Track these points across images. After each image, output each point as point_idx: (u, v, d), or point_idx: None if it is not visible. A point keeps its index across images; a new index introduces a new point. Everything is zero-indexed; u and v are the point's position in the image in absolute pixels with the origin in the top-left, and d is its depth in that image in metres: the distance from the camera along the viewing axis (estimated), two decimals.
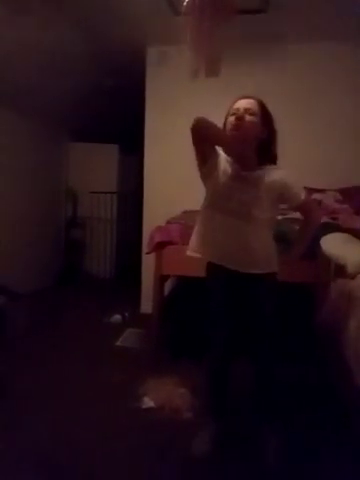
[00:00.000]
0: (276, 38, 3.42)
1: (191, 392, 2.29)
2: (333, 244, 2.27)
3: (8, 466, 1.71)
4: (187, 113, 3.72)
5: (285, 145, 3.59)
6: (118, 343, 3.12)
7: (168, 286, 3.24)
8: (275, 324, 1.81)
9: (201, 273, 2.58)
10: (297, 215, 2.73)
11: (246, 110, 1.73)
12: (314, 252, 2.34)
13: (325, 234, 2.40)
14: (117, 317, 3.63)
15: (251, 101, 1.76)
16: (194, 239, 1.88)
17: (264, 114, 1.75)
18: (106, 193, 5.21)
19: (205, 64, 2.42)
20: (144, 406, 2.19)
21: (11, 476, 1.65)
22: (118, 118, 5.24)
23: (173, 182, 3.73)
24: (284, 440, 1.83)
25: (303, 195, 1.80)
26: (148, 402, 2.22)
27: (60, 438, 1.90)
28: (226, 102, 3.64)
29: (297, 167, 3.40)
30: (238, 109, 1.75)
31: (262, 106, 1.77)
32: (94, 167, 5.16)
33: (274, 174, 1.75)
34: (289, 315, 2.53)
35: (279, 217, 2.67)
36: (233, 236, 1.74)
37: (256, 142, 1.74)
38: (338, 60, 3.51)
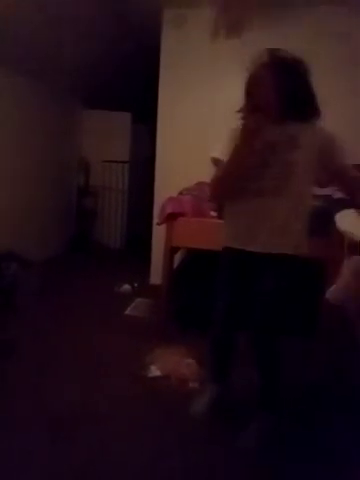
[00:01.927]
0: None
1: (197, 362, 2.31)
2: (348, 220, 2.22)
3: (19, 429, 1.76)
4: (203, 80, 3.66)
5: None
6: (127, 312, 3.16)
7: (178, 258, 3.24)
8: (280, 300, 1.75)
9: (211, 246, 2.58)
10: (318, 191, 2.68)
11: (251, 87, 1.63)
12: (328, 228, 2.29)
13: (340, 210, 2.34)
14: (126, 287, 3.66)
15: (256, 73, 1.62)
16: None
17: (276, 74, 1.56)
18: (118, 162, 5.15)
19: (227, 24, 2.31)
20: (150, 374, 2.23)
21: (22, 438, 1.70)
22: (131, 85, 5.11)
23: (186, 152, 3.66)
24: (272, 421, 1.80)
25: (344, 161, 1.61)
26: (155, 371, 2.25)
27: (68, 402, 1.95)
28: (244, 69, 3.49)
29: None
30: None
31: (271, 65, 1.58)
32: (107, 135, 5.08)
33: (308, 134, 1.59)
34: (298, 290, 2.51)
35: None
36: (254, 216, 1.66)
37: (277, 106, 1.59)
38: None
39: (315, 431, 1.84)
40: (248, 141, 1.56)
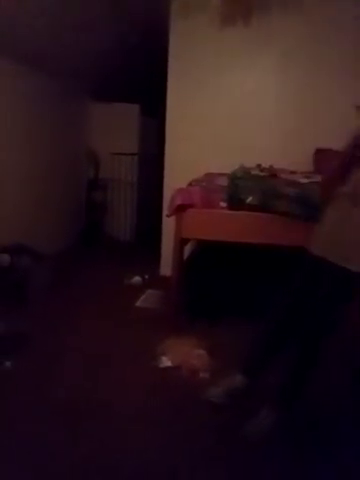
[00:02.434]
0: None
1: (208, 353, 2.32)
2: None
3: (29, 419, 1.80)
4: (212, 72, 3.63)
5: (311, 105, 3.44)
6: (138, 304, 3.18)
7: (188, 249, 3.24)
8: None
9: (221, 237, 2.57)
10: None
11: None
12: None
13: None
14: (137, 278, 3.68)
15: None
16: None
17: None
18: (127, 155, 5.14)
19: (236, 10, 2.28)
20: (162, 365, 2.25)
21: (33, 428, 1.74)
22: (139, 77, 5.09)
23: (195, 143, 3.64)
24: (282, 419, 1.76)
25: None
26: (166, 361, 2.27)
27: (79, 393, 1.97)
28: (254, 61, 3.51)
29: (325, 128, 3.30)
30: None
31: None
32: (115, 128, 5.07)
33: None
34: None
35: (305, 180, 2.59)
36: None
37: None
38: None
39: (325, 434, 1.81)
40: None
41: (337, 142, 3.09)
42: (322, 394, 2.01)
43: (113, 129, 5.06)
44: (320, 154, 3.26)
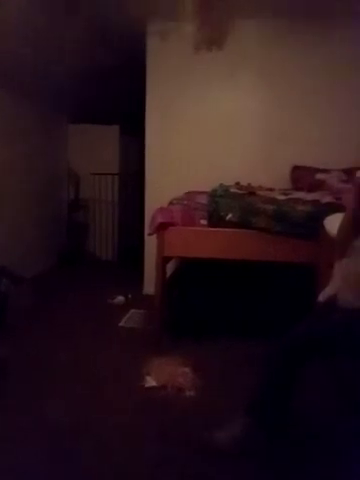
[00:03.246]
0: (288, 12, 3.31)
1: (193, 371, 2.32)
2: (337, 224, 2.26)
3: (17, 445, 1.75)
4: (190, 92, 3.72)
5: (287, 123, 3.58)
6: (121, 324, 3.15)
7: (171, 267, 3.25)
8: None
9: (202, 254, 2.60)
10: (300, 195, 2.73)
11: None
12: (316, 232, 2.32)
13: (328, 214, 2.38)
14: (120, 298, 3.66)
15: None
16: None
17: None
18: (108, 175, 5.17)
19: (207, 37, 2.36)
20: (147, 385, 2.23)
21: (20, 455, 1.69)
22: (118, 99, 5.16)
23: (176, 163, 3.70)
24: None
25: None
26: (151, 381, 2.25)
27: (65, 416, 1.93)
28: (232, 80, 3.61)
29: (301, 146, 3.41)
30: None
31: None
32: (95, 149, 5.11)
33: None
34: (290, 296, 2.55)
35: (282, 197, 2.66)
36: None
37: None
38: (341, 38, 3.42)
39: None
40: None
41: (313, 159, 3.25)
42: (310, 409, 2.00)
43: (93, 149, 5.10)
44: (297, 171, 3.35)
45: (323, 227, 2.30)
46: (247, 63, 3.50)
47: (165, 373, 2.31)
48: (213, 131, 3.63)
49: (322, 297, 1.77)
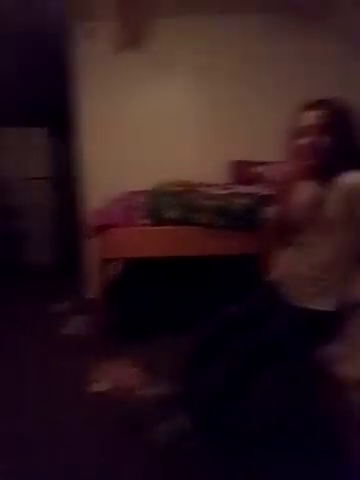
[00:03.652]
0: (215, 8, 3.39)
1: (143, 370, 2.30)
2: None
3: None
4: (121, 92, 3.68)
5: (223, 119, 3.66)
6: (65, 331, 3.04)
7: (114, 269, 3.20)
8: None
9: (144, 254, 2.59)
10: (240, 189, 2.80)
11: (311, 128, 1.49)
12: (255, 224, 2.40)
13: (266, 206, 2.48)
14: (62, 305, 3.53)
15: (318, 114, 1.49)
16: None
17: (339, 124, 1.48)
18: (39, 179, 4.98)
19: (129, 35, 2.34)
20: (96, 389, 2.17)
21: None
22: (45, 100, 4.98)
23: (112, 163, 3.63)
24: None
25: None
26: (100, 386, 2.20)
27: (14, 432, 1.83)
28: (167, 78, 3.59)
29: (239, 139, 3.51)
30: (302, 129, 1.52)
31: (337, 114, 1.50)
32: (23, 152, 4.90)
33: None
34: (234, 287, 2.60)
35: (223, 192, 2.72)
36: None
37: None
38: (276, 30, 3.56)
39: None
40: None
41: (252, 153, 3.35)
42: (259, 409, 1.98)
43: (21, 154, 4.89)
44: (236, 165, 3.44)
45: (262, 218, 2.39)
46: (178, 60, 3.55)
47: (114, 376, 2.27)
48: (148, 130, 3.63)
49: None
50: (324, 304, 1.49)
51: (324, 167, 1.49)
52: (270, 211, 2.05)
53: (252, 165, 3.21)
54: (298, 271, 1.58)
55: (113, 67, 3.58)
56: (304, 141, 1.51)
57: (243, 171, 3.22)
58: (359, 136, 1.50)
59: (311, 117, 1.50)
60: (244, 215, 2.36)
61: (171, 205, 2.46)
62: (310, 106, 1.53)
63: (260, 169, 3.17)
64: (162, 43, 3.39)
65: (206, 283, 2.84)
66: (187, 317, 2.74)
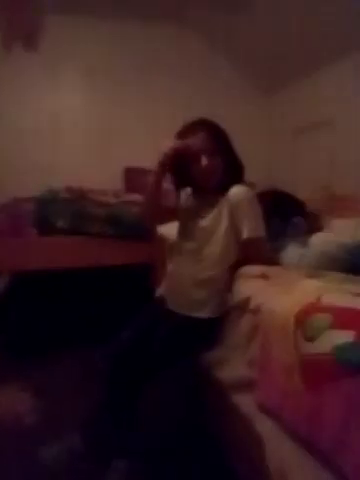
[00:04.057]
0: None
1: (34, 395, 2.12)
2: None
3: None
4: (6, 90, 3.39)
5: (116, 125, 3.57)
6: None
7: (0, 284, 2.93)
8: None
9: (34, 266, 2.41)
10: (132, 197, 2.76)
11: (202, 151, 1.51)
12: (148, 234, 2.38)
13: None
14: None
15: (200, 136, 1.52)
16: None
17: (218, 143, 1.53)
18: None
19: (21, 36, 2.18)
20: None
21: None
22: None
23: None
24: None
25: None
26: None
27: None
28: (53, 79, 3.37)
29: (133, 147, 3.44)
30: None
31: (213, 133, 1.54)
32: None
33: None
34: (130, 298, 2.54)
35: (114, 200, 2.65)
36: None
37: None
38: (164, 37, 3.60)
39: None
40: None
41: (147, 161, 3.30)
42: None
43: None
44: (129, 173, 3.40)
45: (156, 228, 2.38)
46: (69, 62, 3.39)
47: (2, 403, 2.07)
48: (37, 133, 3.40)
49: (158, 293, 1.81)
50: (206, 311, 1.52)
51: (218, 185, 1.55)
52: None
53: (146, 173, 3.20)
54: (183, 280, 1.60)
55: (2, 65, 3.29)
56: (199, 163, 1.52)
57: (137, 179, 3.19)
58: (233, 150, 1.59)
59: (198, 139, 1.52)
60: (138, 224, 2.32)
61: (61, 213, 2.32)
62: (193, 128, 1.57)
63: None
64: (56, 43, 3.22)
65: (102, 294, 2.73)
66: (83, 331, 2.62)
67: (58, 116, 3.43)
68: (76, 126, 3.48)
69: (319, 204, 2.35)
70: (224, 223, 1.51)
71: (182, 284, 1.60)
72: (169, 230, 2.24)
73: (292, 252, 1.65)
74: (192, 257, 1.58)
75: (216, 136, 1.54)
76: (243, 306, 1.39)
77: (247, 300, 1.37)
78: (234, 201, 1.49)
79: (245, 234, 1.47)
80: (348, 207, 2.27)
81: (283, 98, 3.73)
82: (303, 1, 2.70)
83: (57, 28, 3.19)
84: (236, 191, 1.50)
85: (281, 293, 1.24)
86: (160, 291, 1.75)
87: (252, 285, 1.41)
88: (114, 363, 1.57)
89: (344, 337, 0.87)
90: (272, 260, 1.57)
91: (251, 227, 1.47)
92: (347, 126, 2.96)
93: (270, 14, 2.98)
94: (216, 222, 1.53)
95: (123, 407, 1.56)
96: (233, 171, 1.56)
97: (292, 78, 3.48)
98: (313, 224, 1.96)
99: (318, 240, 1.69)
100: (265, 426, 1.11)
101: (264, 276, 1.43)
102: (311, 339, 0.96)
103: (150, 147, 3.40)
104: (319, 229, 1.87)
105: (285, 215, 1.91)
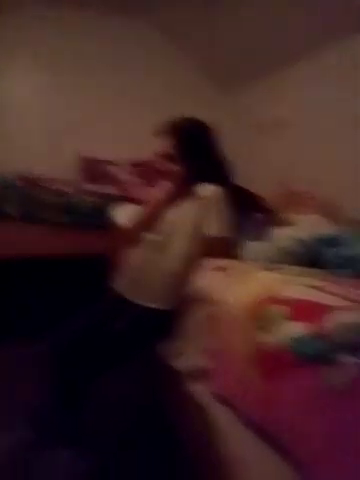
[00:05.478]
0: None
1: None
2: (125, 215, 2.32)
3: None
4: None
5: (73, 113, 3.46)
6: None
7: None
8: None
9: None
10: (88, 187, 2.68)
11: (162, 158, 1.57)
12: (103, 223, 2.33)
13: (115, 205, 2.43)
14: None
15: (165, 141, 1.56)
16: None
17: (185, 148, 1.56)
18: None
19: None
20: None
21: None
22: None
23: None
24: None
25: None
26: None
27: None
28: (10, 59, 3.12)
29: (90, 137, 3.34)
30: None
31: (181, 137, 1.56)
32: None
33: None
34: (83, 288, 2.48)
35: (69, 189, 2.57)
36: None
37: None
38: (129, 32, 3.54)
39: None
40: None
41: (102, 151, 3.22)
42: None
43: None
44: (85, 162, 3.29)
45: (110, 218, 2.33)
46: (22, 47, 3.22)
47: None
48: None
49: (114, 283, 1.77)
50: (164, 303, 1.53)
51: (181, 185, 1.59)
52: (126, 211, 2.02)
53: (103, 163, 3.13)
54: (144, 271, 1.60)
55: None
56: (161, 167, 1.59)
57: (93, 169, 3.10)
58: (211, 151, 1.61)
59: (161, 146, 1.57)
60: (93, 213, 2.27)
61: (11, 199, 2.21)
62: (161, 131, 1.59)
63: (111, 168, 3.10)
64: (9, 27, 3.04)
65: (55, 284, 2.65)
66: (37, 320, 2.52)
67: (9, 102, 3.23)
68: (29, 114, 3.30)
69: (277, 200, 2.41)
70: (190, 219, 1.53)
71: (142, 275, 1.59)
72: (125, 218, 2.22)
73: (251, 246, 1.69)
74: (155, 248, 1.58)
75: (180, 140, 1.56)
76: (200, 297, 1.40)
77: (204, 291, 1.39)
78: (202, 199, 1.51)
79: (210, 232, 1.49)
80: (304, 203, 2.35)
81: (245, 96, 3.77)
82: (265, 0, 2.73)
83: (20, 14, 3.05)
84: (205, 189, 1.52)
85: (237, 284, 1.26)
86: (117, 280, 1.72)
87: (210, 277, 1.42)
88: (65, 349, 1.53)
89: (300, 329, 0.90)
90: (232, 255, 1.60)
91: (217, 226, 1.50)
92: (306, 125, 3.04)
93: (235, 12, 2.99)
94: (183, 217, 1.55)
95: (72, 395, 1.53)
96: (204, 172, 1.57)
97: (254, 77, 3.52)
98: (271, 219, 2.01)
99: (276, 235, 1.74)
100: (220, 415, 1.13)
101: (222, 268, 1.45)
102: (267, 330, 0.99)
103: (108, 139, 3.37)
104: (277, 224, 1.93)
105: (244, 210, 1.96)
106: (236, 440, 1.04)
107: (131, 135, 3.43)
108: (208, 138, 1.62)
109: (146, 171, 3.18)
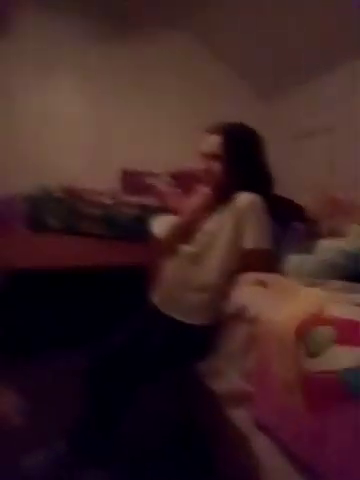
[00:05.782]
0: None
1: (22, 395, 2.03)
2: (163, 227, 2.29)
3: None
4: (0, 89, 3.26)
5: (114, 126, 3.51)
6: None
7: None
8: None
9: (23, 264, 2.31)
10: (128, 198, 2.69)
11: (206, 157, 1.52)
12: (144, 235, 2.32)
13: (155, 217, 2.41)
14: None
15: (212, 140, 1.52)
16: None
17: (231, 150, 1.51)
18: None
19: None
20: None
21: None
22: None
23: None
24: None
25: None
26: None
27: None
28: (43, 76, 3.25)
29: (129, 149, 3.37)
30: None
31: (229, 139, 1.52)
32: None
33: None
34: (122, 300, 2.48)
35: (110, 201, 2.59)
36: None
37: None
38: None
39: None
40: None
41: (142, 162, 3.24)
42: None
43: None
44: (126, 175, 3.32)
45: (151, 229, 2.32)
46: (64, 62, 3.30)
47: None
48: (34, 131, 3.26)
49: (152, 296, 1.74)
50: (200, 318, 1.47)
51: (219, 191, 1.54)
52: (163, 222, 1.99)
53: (142, 175, 3.14)
54: (179, 284, 1.55)
55: None
56: (202, 167, 1.54)
57: (133, 181, 3.13)
58: (257, 158, 1.56)
59: (207, 144, 1.53)
60: (133, 226, 2.26)
61: (53, 212, 2.25)
62: (210, 131, 1.55)
63: (150, 180, 3.11)
64: (47, 40, 3.13)
65: (95, 296, 2.66)
66: (76, 332, 2.55)
67: (53, 115, 3.31)
68: (73, 127, 3.39)
69: (318, 209, 2.30)
70: (228, 229, 1.46)
71: (178, 288, 1.54)
72: (161, 229, 2.20)
73: (292, 259, 1.60)
74: (190, 260, 1.53)
75: (228, 141, 1.51)
76: (239, 315, 1.33)
77: (244, 308, 1.31)
78: (240, 208, 1.44)
79: (248, 244, 1.42)
80: (347, 212, 2.23)
81: (283, 104, 3.71)
82: (305, 9, 2.68)
83: (51, 27, 3.13)
84: (243, 197, 1.45)
85: (280, 302, 1.18)
86: (154, 293, 1.69)
87: (249, 293, 1.35)
88: (102, 365, 1.51)
89: (351, 356, 0.81)
90: (272, 269, 1.52)
91: (255, 237, 1.42)
92: (346, 132, 2.94)
93: (272, 20, 2.95)
94: (220, 227, 1.48)
95: (106, 414, 1.49)
96: (245, 179, 1.50)
97: (292, 84, 3.46)
98: (312, 229, 1.91)
99: (318, 247, 1.64)
100: (261, 443, 1.05)
101: (262, 283, 1.37)
102: (314, 355, 0.91)
103: (148, 150, 3.39)
104: (318, 234, 1.82)
105: (284, 220, 1.87)
106: (277, 472, 0.96)
107: (170, 145, 3.45)
108: (256, 145, 1.57)
109: (185, 181, 3.16)
